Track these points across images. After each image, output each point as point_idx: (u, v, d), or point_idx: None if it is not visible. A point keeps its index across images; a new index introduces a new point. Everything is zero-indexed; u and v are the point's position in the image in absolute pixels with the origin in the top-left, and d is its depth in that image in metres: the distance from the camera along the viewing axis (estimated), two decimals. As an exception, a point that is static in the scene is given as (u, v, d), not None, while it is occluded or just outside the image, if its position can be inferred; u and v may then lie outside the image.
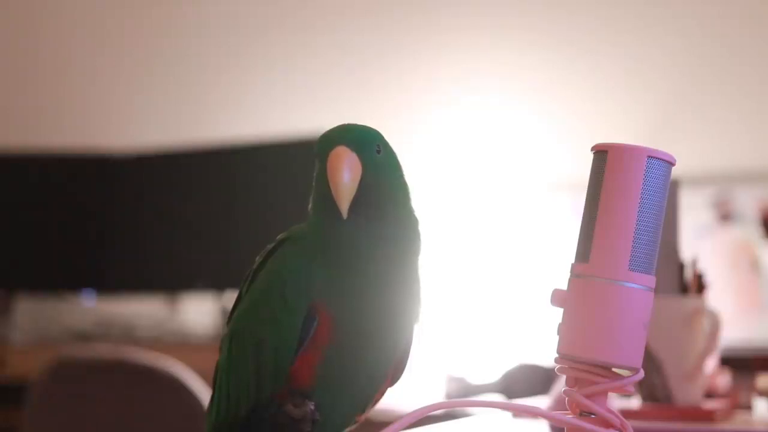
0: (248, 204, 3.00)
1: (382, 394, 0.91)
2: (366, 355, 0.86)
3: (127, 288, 3.15)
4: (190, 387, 1.97)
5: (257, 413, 0.87)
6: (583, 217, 0.83)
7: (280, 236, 0.89)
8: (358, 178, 0.84)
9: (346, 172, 0.83)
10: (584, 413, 0.81)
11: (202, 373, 2.68)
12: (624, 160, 0.81)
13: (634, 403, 1.32)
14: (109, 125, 3.51)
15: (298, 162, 2.94)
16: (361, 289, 0.84)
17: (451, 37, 3.19)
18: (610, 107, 3.03)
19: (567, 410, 0.84)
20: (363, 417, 0.90)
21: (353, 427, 0.91)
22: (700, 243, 2.84)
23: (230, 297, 3.03)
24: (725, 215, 2.84)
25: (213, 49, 3.43)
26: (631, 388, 0.82)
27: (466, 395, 2.59)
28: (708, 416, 1.18)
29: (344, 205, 0.82)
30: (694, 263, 1.30)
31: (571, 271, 0.82)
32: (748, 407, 1.43)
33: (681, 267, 1.28)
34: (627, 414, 1.20)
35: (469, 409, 2.31)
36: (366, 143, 0.85)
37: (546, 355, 2.79)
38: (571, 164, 3.04)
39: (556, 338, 0.82)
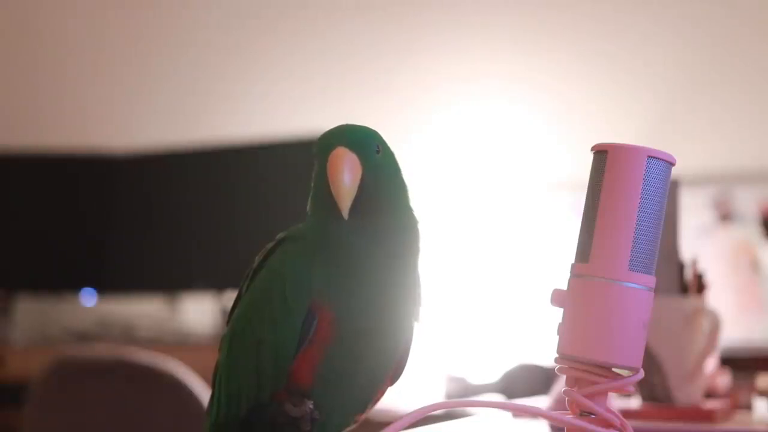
0: (248, 204, 3.00)
1: (383, 393, 0.91)
2: (366, 354, 0.86)
3: (127, 288, 3.15)
4: (190, 387, 1.97)
5: (257, 413, 0.87)
6: (583, 217, 0.83)
7: (279, 235, 0.89)
8: (359, 178, 0.84)
9: (346, 173, 0.83)
10: (584, 413, 0.81)
11: (202, 373, 2.68)
12: (624, 160, 0.81)
13: (634, 403, 1.32)
14: (109, 125, 3.51)
15: (298, 162, 2.94)
16: (361, 288, 0.84)
17: (451, 37, 3.19)
18: (610, 107, 3.03)
19: (567, 410, 0.84)
20: (363, 417, 0.90)
21: (353, 426, 0.90)
22: (700, 243, 2.84)
23: (230, 297, 3.03)
24: (725, 215, 2.83)
25: (213, 49, 3.43)
26: (631, 388, 0.82)
27: (466, 395, 2.59)
28: (708, 416, 1.18)
29: (345, 206, 0.82)
30: (694, 263, 1.30)
31: (571, 271, 0.82)
32: (748, 407, 1.43)
33: (681, 267, 1.28)
34: (627, 414, 1.20)
35: (469, 409, 2.31)
36: (365, 144, 0.86)
37: (546, 355, 2.79)
38: (571, 164, 3.04)
39: (556, 338, 0.82)
